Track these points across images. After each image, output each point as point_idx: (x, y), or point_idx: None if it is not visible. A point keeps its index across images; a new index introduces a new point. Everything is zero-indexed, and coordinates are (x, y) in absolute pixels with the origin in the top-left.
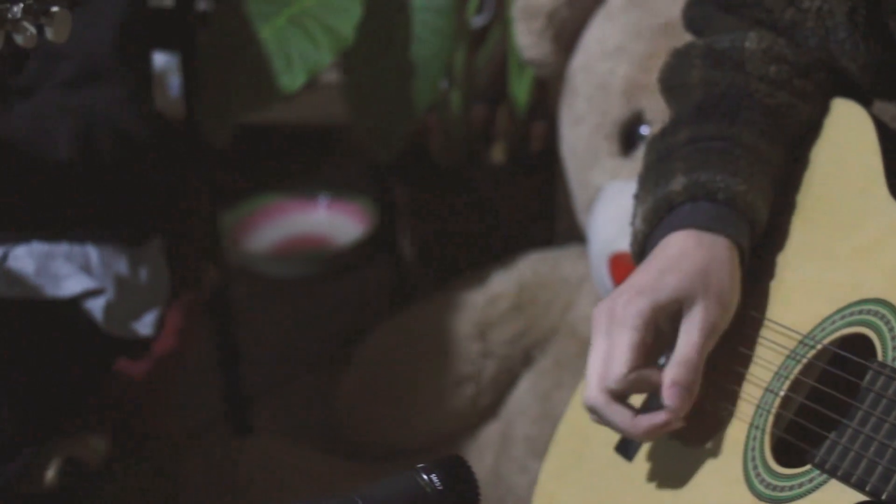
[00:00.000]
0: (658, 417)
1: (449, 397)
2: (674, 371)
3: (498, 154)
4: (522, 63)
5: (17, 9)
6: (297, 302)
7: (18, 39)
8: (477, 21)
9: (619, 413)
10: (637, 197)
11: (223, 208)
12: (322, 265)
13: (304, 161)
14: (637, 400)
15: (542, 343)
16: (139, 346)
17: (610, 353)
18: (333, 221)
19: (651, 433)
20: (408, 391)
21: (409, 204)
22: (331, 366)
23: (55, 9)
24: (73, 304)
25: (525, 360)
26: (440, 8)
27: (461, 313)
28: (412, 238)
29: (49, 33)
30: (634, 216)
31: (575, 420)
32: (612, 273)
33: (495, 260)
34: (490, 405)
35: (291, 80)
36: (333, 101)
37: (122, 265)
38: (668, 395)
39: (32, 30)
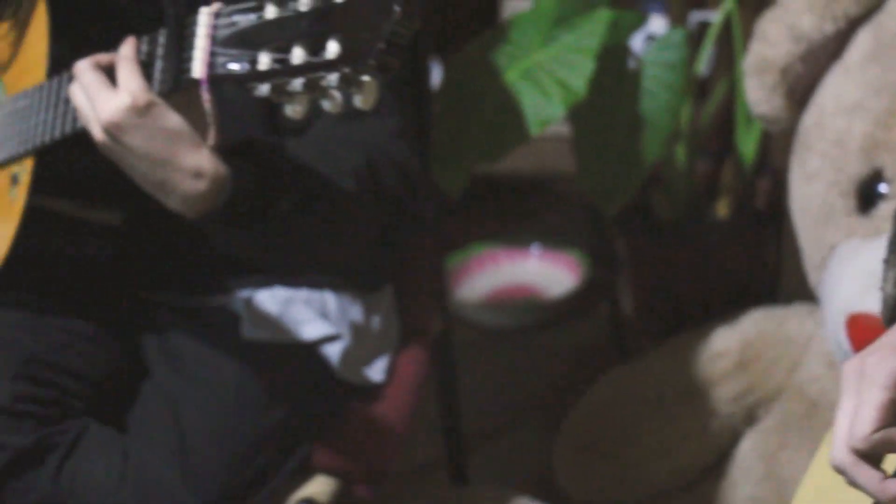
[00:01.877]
0: None
1: (670, 454)
2: None
3: (722, 209)
4: (751, 118)
5: (333, 77)
6: (509, 352)
7: (325, 105)
8: (701, 72)
9: (866, 475)
10: (887, 261)
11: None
12: (534, 316)
13: (516, 210)
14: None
15: (767, 402)
16: (370, 391)
17: (857, 412)
18: (545, 272)
19: None
20: (628, 446)
21: (629, 257)
22: (546, 417)
23: (366, 78)
24: (311, 349)
25: (748, 418)
26: (671, 62)
27: (684, 369)
28: (631, 291)
29: (357, 101)
30: (885, 280)
31: (814, 485)
32: (850, 334)
33: (718, 316)
34: (712, 463)
35: (524, 132)
36: (546, 150)
37: (357, 312)
38: None
39: (340, 98)
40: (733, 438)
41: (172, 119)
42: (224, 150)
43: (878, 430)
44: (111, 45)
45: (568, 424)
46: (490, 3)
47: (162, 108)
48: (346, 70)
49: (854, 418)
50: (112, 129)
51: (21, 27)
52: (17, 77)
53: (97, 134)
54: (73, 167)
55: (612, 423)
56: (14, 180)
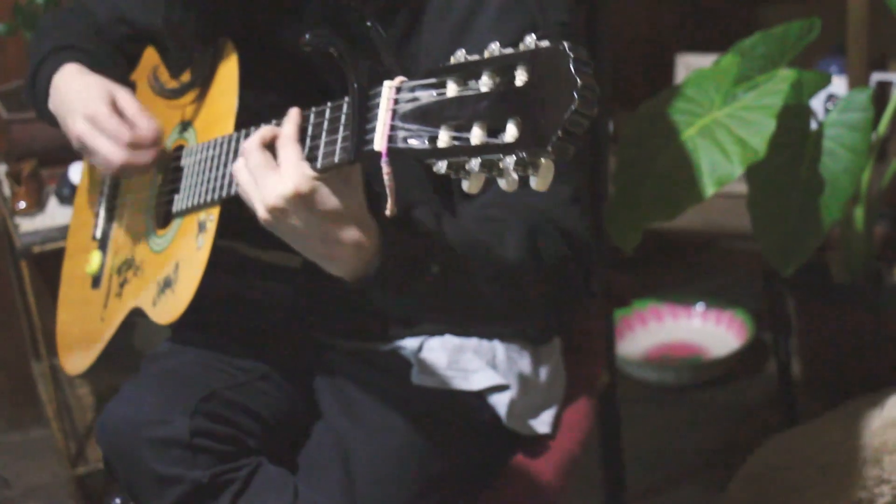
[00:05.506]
0: None
1: None
2: None
3: None
4: None
5: (510, 160)
6: (670, 408)
7: (501, 183)
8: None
9: None
10: None
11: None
12: (697, 374)
13: (682, 266)
14: None
15: None
16: (536, 442)
17: None
18: (708, 330)
19: None
20: None
21: (801, 318)
22: (709, 476)
23: (543, 161)
24: (479, 398)
25: None
26: (854, 123)
27: (856, 435)
28: (801, 353)
29: (533, 182)
30: None
31: None
32: None
33: (893, 383)
34: None
35: (701, 190)
36: (716, 208)
37: (525, 363)
38: None
39: (515, 177)
40: None
41: (332, 201)
42: (381, 219)
43: None
44: (298, 97)
45: (734, 485)
46: (664, 60)
47: (323, 193)
48: (523, 154)
49: None
50: (276, 213)
51: (209, 76)
52: (207, 125)
53: (261, 213)
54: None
55: (779, 487)
56: (201, 227)
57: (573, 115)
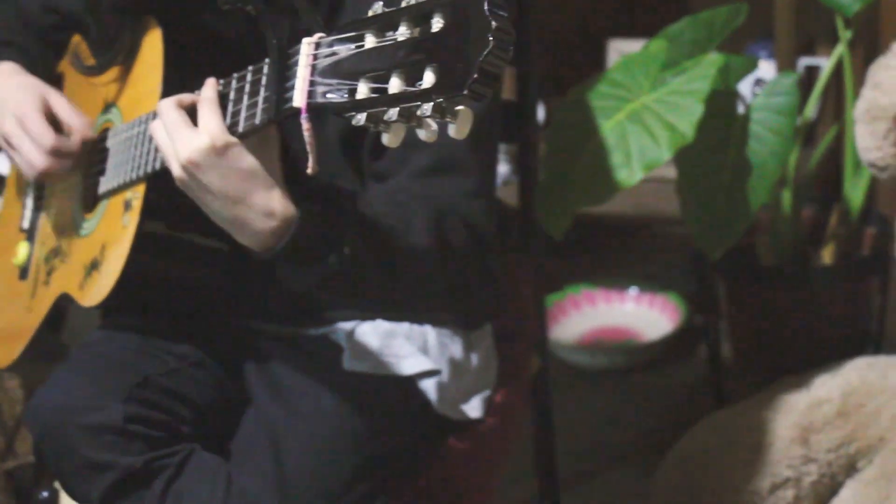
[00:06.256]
0: None
1: (767, 500)
2: None
3: (827, 256)
4: (860, 164)
5: (428, 107)
6: (604, 393)
7: (420, 134)
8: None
9: None
10: None
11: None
12: (630, 358)
13: (615, 251)
14: None
15: (869, 453)
16: (467, 427)
17: None
18: (642, 314)
19: None
20: (725, 491)
21: (731, 301)
22: (642, 460)
23: (460, 108)
24: (411, 382)
25: (849, 468)
26: (781, 107)
27: (783, 416)
28: (731, 336)
29: (451, 130)
30: None
31: None
32: None
33: (819, 364)
34: None
35: (629, 175)
36: (647, 192)
37: (456, 349)
38: None
39: (435, 126)
40: (833, 488)
41: (247, 160)
42: (298, 193)
43: None
44: (222, 74)
45: (664, 468)
46: (596, 45)
47: (238, 150)
48: (440, 100)
49: None
50: (190, 167)
51: (132, 53)
52: (132, 105)
53: (176, 170)
54: (183, 193)
55: (708, 469)
56: (127, 206)
57: (488, 57)
